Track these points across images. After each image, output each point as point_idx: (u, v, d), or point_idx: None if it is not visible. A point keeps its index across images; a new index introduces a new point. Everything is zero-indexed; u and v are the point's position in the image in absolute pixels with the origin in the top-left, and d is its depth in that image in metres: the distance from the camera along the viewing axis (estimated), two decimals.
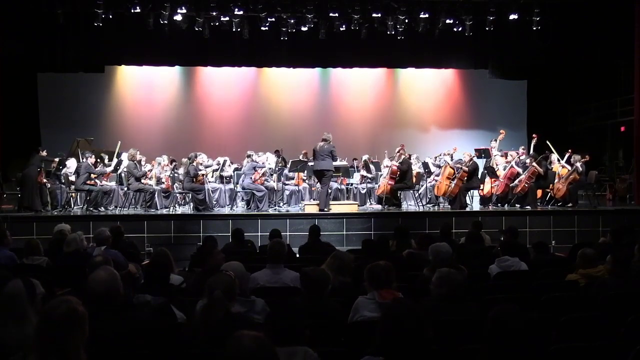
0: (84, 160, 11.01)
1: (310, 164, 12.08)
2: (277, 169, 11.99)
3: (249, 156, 11.57)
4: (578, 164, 11.51)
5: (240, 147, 12.91)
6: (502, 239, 7.24)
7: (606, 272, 4.80)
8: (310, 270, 3.90)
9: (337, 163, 11.89)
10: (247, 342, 2.05)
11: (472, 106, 16.77)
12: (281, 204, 11.85)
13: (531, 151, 12.07)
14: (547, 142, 12.31)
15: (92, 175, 11.01)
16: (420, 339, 2.52)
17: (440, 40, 14.26)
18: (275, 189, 11.79)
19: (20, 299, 2.97)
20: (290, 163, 12.11)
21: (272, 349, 2.12)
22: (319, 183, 10.99)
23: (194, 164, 11.04)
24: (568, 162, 11.84)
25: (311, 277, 3.81)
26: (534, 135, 12.29)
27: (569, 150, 12.04)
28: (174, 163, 12.54)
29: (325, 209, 10.63)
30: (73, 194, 11.41)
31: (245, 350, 2.02)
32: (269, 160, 12.02)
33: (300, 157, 12.53)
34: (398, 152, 11.76)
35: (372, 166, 12.81)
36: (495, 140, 12.83)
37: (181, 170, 11.82)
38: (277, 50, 14.37)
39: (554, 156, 12.27)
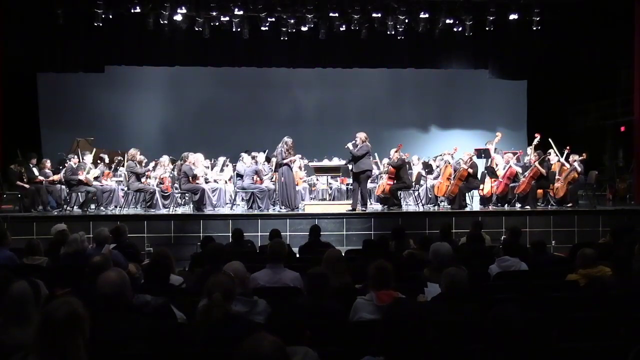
0: (82, 161, 11.03)
1: (310, 164, 12.09)
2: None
3: (253, 158, 11.59)
4: (576, 164, 11.50)
5: (240, 147, 12.89)
6: (502, 238, 7.25)
7: (606, 272, 4.81)
8: (314, 271, 3.91)
9: (337, 163, 11.91)
10: (267, 346, 2.06)
11: (472, 106, 16.74)
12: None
13: (533, 150, 12.00)
14: (549, 140, 12.23)
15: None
16: (421, 339, 2.52)
17: (440, 40, 14.27)
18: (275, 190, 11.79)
19: (26, 301, 2.97)
20: None
21: (287, 356, 2.14)
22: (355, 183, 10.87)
23: (187, 163, 11.03)
24: (567, 160, 11.80)
25: (314, 277, 3.82)
26: (536, 134, 12.23)
27: (567, 148, 11.99)
28: (175, 163, 12.52)
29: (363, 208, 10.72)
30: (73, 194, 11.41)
31: (264, 354, 2.03)
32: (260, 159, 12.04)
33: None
34: (395, 151, 11.72)
35: (374, 166, 12.78)
36: (492, 142, 12.82)
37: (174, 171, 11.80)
38: (277, 50, 14.38)
39: (553, 153, 12.17)
